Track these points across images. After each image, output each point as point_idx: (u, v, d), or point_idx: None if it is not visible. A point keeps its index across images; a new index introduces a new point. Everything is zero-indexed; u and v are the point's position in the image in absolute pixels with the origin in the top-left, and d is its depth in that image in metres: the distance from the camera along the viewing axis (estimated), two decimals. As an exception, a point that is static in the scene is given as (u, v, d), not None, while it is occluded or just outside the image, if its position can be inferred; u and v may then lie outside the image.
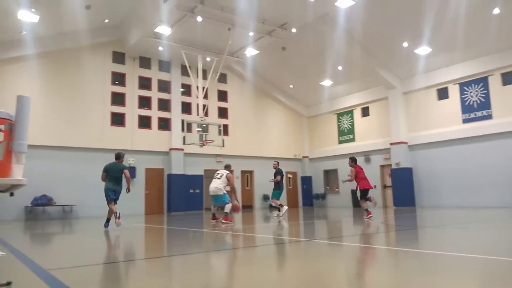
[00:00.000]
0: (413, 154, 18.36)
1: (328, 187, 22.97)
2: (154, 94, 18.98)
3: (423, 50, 16.42)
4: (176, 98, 19.34)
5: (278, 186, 12.55)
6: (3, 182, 3.09)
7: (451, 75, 17.06)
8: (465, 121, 16.62)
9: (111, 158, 17.79)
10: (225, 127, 20.12)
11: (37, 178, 14.42)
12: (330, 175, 22.94)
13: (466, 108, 16.60)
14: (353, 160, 11.31)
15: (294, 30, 16.43)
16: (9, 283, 3.07)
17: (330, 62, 18.67)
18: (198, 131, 15.77)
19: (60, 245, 6.71)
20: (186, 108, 19.81)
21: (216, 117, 20.26)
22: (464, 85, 16.76)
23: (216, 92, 20.37)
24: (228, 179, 9.96)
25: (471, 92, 16.50)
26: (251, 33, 16.68)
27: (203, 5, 14.34)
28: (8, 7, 13.23)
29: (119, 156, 9.96)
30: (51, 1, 13.69)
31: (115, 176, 9.49)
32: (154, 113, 18.82)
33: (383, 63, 18.16)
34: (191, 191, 18.93)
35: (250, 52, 18.54)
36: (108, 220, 9.27)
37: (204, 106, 16.24)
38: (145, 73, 18.88)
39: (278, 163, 13.29)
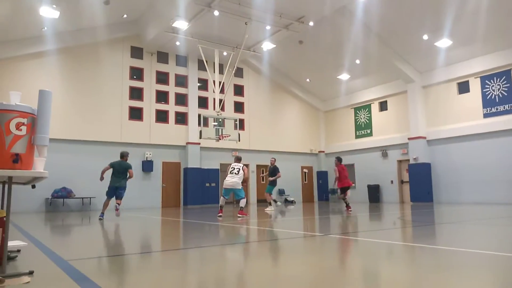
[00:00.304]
0: (432, 149, 18.07)
1: (344, 182, 22.78)
2: (171, 89, 19.14)
3: (443, 42, 16.07)
4: (193, 92, 19.46)
5: (273, 181, 13.13)
6: (26, 175, 3.18)
7: (472, 68, 16.67)
8: (486, 115, 16.24)
9: (129, 152, 18.09)
10: (241, 121, 20.16)
11: (57, 171, 14.77)
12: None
13: (488, 102, 16.21)
14: (339, 160, 12.45)
15: (311, 23, 16.30)
16: (31, 272, 3.17)
17: (348, 55, 18.47)
18: (214, 125, 15.85)
19: (79, 237, 6.87)
20: (203, 102, 19.92)
21: (232, 112, 20.31)
22: (485, 79, 16.36)
23: (232, 87, 20.40)
24: (243, 171, 10.21)
25: (493, 86, 16.10)
26: (268, 27, 16.62)
27: (220, -1, 14.36)
28: (31, 4, 13.51)
29: (123, 155, 10.60)
30: (70, -3, 13.93)
31: (119, 173, 10.21)
32: (171, 108, 18.99)
33: (401, 56, 17.86)
34: (207, 185, 19.07)
35: (267, 46, 18.48)
36: (102, 213, 10.06)
37: (220, 100, 16.30)
38: (163, 67, 19.04)
39: (275, 159, 13.70)
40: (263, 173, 13.83)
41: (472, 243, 5.01)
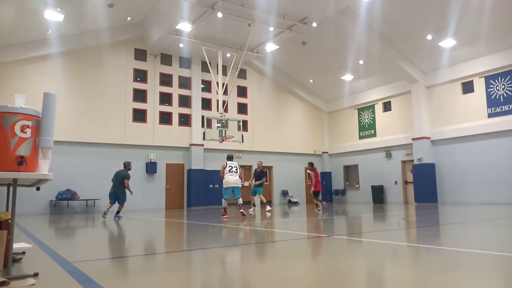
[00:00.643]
0: (436, 149, 18.00)
1: (348, 183, 22.77)
2: (175, 91, 19.19)
3: (447, 42, 16.02)
4: (196, 94, 19.50)
5: (261, 183, 13.88)
6: (31, 177, 3.19)
7: (476, 68, 16.60)
8: (490, 115, 16.17)
9: (133, 154, 18.28)
10: (245, 122, 20.18)
11: (61, 173, 14.84)
12: (350, 171, 22.74)
13: (492, 102, 16.14)
14: (312, 165, 13.66)
15: (314, 24, 16.29)
16: (36, 274, 3.18)
17: (351, 56, 18.44)
18: (218, 127, 15.86)
19: (83, 238, 6.89)
20: (206, 104, 19.96)
21: (236, 113, 20.33)
22: (490, 78, 16.29)
23: (235, 88, 20.43)
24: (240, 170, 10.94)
25: (497, 86, 16.03)
26: (271, 28, 16.63)
27: (223, 1, 14.38)
28: (36, 7, 13.59)
29: (124, 165, 11.52)
30: (75, 0, 13.98)
31: (116, 181, 11.24)
32: (175, 109, 19.04)
33: (405, 57, 17.82)
34: (211, 186, 19.09)
35: (270, 47, 18.49)
36: (116, 212, 11.28)
37: (223, 102, 16.32)
38: (166, 69, 19.10)
39: (262, 163, 14.48)
40: (250, 179, 14.37)
41: (477, 243, 4.98)
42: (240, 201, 10.68)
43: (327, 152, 23.73)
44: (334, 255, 4.34)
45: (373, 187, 20.24)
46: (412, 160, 18.72)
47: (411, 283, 2.96)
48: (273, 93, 22.17)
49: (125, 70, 17.92)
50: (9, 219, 3.41)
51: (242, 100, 21.09)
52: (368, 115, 21.57)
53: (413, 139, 18.57)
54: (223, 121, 15.72)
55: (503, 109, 15.78)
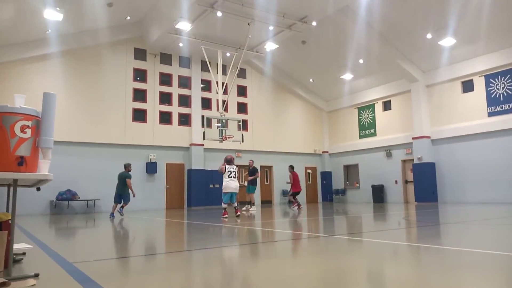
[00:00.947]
0: (436, 148, 17.99)
1: (348, 182, 22.77)
2: (175, 90, 19.17)
3: (447, 41, 16.00)
4: (196, 93, 19.49)
5: (253, 182, 14.14)
6: (31, 177, 3.18)
7: (476, 67, 16.59)
8: (490, 114, 16.16)
9: (133, 154, 18.33)
10: (245, 122, 20.17)
11: (61, 173, 14.83)
12: (350, 170, 22.74)
13: (492, 101, 16.13)
14: (292, 168, 15.03)
15: (314, 23, 16.28)
16: (36, 275, 3.17)
17: (351, 55, 18.43)
18: (218, 126, 15.86)
19: (84, 239, 6.89)
20: (206, 103, 19.95)
21: (236, 112, 20.32)
22: (490, 77, 16.28)
23: (235, 87, 20.41)
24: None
25: (497, 85, 16.02)
26: (271, 27, 16.62)
27: (223, 0, 14.36)
28: (35, 7, 13.57)
29: (124, 166, 12.38)
30: (74, -1, 13.98)
31: (119, 182, 12.12)
32: (175, 109, 19.03)
33: (405, 56, 17.81)
34: (211, 186, 19.08)
35: (270, 46, 18.48)
36: (120, 207, 12.24)
37: (223, 101, 16.31)
38: (166, 69, 19.08)
39: (253, 161, 14.95)
40: (245, 172, 14.61)
41: (477, 243, 4.97)
42: (235, 204, 10.75)
43: (327, 152, 23.73)
44: (334, 255, 4.34)
45: (373, 187, 20.23)
46: (412, 159, 18.72)
47: (411, 282, 2.95)
48: (273, 93, 22.16)
49: (124, 69, 17.90)
50: (10, 219, 3.40)
51: (242, 99, 21.08)
52: (368, 114, 21.57)
53: (413, 138, 18.56)
54: (223, 121, 15.72)
55: (503, 108, 15.77)
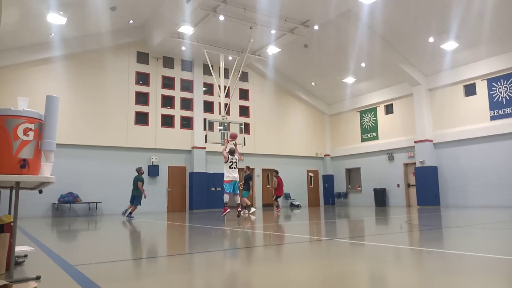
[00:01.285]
0: (438, 152, 17.96)
1: (350, 186, 22.73)
2: (177, 93, 19.22)
3: (449, 45, 16.01)
4: (198, 97, 19.54)
5: (247, 186, 14.59)
6: (33, 180, 3.20)
7: (478, 70, 16.58)
8: (493, 118, 16.13)
9: (135, 157, 18.50)
10: (247, 125, 20.19)
11: (63, 176, 14.88)
12: (352, 174, 22.71)
13: (495, 104, 16.10)
14: (277, 173, 16.13)
15: (316, 27, 16.32)
16: (38, 277, 3.18)
17: (353, 59, 18.46)
18: (220, 129, 15.88)
19: (86, 242, 6.89)
20: (208, 107, 19.99)
21: (238, 116, 20.35)
22: (492, 81, 16.26)
23: (237, 91, 20.46)
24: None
25: (500, 88, 16.00)
26: (273, 31, 16.66)
27: (225, 4, 14.42)
28: (39, 11, 13.66)
29: (136, 170, 13.43)
30: (78, 3, 14.05)
31: (133, 185, 13.18)
32: (177, 112, 19.07)
33: (407, 59, 17.82)
34: (213, 189, 19.09)
35: (272, 50, 18.52)
36: (129, 212, 13.07)
37: (225, 104, 16.34)
38: (168, 72, 19.14)
39: (248, 167, 15.42)
40: (245, 171, 14.78)
41: (480, 247, 4.95)
42: (238, 199, 11.26)
43: (329, 155, 23.71)
44: (336, 259, 4.33)
45: (375, 190, 20.20)
46: (415, 163, 18.69)
47: (414, 287, 2.94)
48: (275, 96, 22.19)
49: (127, 73, 17.97)
50: (12, 222, 3.41)
51: (244, 102, 21.11)
52: (370, 117, 21.56)
53: (415, 142, 18.53)
54: (225, 124, 15.73)
55: (506, 112, 15.74)
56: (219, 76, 16.89)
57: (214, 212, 16.34)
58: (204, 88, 19.88)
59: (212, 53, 17.20)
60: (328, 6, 14.76)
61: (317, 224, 9.48)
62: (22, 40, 15.26)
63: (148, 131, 18.12)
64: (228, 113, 18.23)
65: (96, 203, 16.32)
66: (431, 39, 15.99)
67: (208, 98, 20.06)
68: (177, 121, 19.04)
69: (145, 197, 13.10)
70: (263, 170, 21.25)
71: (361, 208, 17.72)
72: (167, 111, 18.83)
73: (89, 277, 3.30)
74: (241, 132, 16.34)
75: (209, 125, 15.76)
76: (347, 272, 3.56)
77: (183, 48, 18.04)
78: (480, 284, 2.95)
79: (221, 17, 15.07)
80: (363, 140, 21.90)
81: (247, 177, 14.59)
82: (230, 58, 18.11)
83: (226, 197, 10.85)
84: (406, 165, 19.60)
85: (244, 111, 21.02)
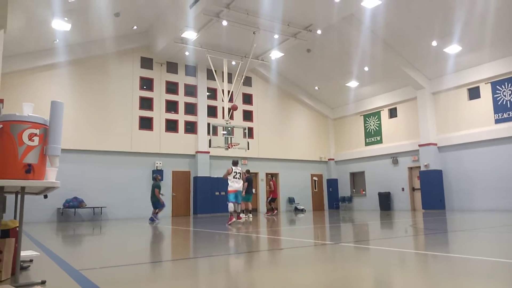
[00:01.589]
0: (443, 155, 17.88)
1: (354, 190, 22.66)
2: (181, 98, 19.29)
3: (452, 48, 15.98)
4: (202, 102, 19.60)
5: (249, 190, 14.46)
6: (38, 185, 3.22)
7: (482, 73, 16.53)
8: (497, 121, 16.05)
9: (139, 162, 18.57)
10: (250, 129, 20.20)
11: (68, 181, 14.94)
12: (356, 178, 22.64)
13: (499, 107, 16.04)
14: (272, 176, 17.17)
15: (319, 31, 16.35)
16: (43, 282, 3.19)
17: (356, 63, 18.46)
18: (224, 134, 15.91)
19: (91, 246, 6.91)
20: (212, 111, 20.03)
21: (241, 120, 20.37)
22: (496, 84, 16.20)
23: (241, 95, 20.49)
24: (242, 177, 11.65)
25: (504, 91, 15.94)
26: (276, 36, 16.71)
27: (228, 9, 14.49)
28: (44, 17, 13.78)
29: (153, 178, 14.06)
30: (82, 9, 14.16)
31: (151, 191, 13.35)
32: (181, 117, 19.12)
33: (410, 63, 17.80)
34: (217, 193, 19.08)
35: (275, 54, 18.57)
36: (154, 215, 13.14)
37: (229, 109, 16.37)
38: (172, 77, 19.22)
39: (248, 171, 15.33)
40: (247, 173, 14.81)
41: (486, 251, 4.92)
42: (239, 208, 11.38)
43: (333, 159, 23.66)
44: (341, 263, 4.31)
45: (380, 194, 20.12)
46: (419, 167, 18.61)
47: (419, 290, 2.93)
48: (279, 100, 22.21)
49: (131, 78, 18.06)
50: (17, 227, 3.43)
51: (247, 107, 21.14)
52: (374, 121, 21.52)
53: (419, 146, 18.47)
54: (229, 128, 15.76)
55: (510, 115, 15.67)
56: (223, 81, 16.95)
57: (218, 217, 16.33)
58: (207, 93, 19.94)
59: (216, 58, 17.26)
60: (331, 10, 14.79)
61: (321, 228, 9.45)
62: (27, 46, 15.39)
63: (152, 136, 18.18)
64: (231, 117, 18.28)
65: (101, 207, 16.36)
66: (434, 43, 15.98)
67: (212, 102, 20.11)
68: (181, 126, 19.08)
69: (163, 205, 13.08)
70: (267, 174, 21.22)
71: (366, 212, 17.65)
72: (171, 116, 18.89)
73: (94, 282, 3.31)
74: (244, 136, 16.37)
75: (213, 130, 15.78)
76: (352, 276, 3.55)
77: (187, 53, 18.12)
78: (486, 288, 2.92)
79: (224, 22, 15.15)
80: (367, 144, 21.85)
81: (247, 180, 14.32)
82: (233, 63, 18.17)
83: (231, 207, 10.79)
84: (410, 168, 19.52)
85: (247, 116, 21.05)
